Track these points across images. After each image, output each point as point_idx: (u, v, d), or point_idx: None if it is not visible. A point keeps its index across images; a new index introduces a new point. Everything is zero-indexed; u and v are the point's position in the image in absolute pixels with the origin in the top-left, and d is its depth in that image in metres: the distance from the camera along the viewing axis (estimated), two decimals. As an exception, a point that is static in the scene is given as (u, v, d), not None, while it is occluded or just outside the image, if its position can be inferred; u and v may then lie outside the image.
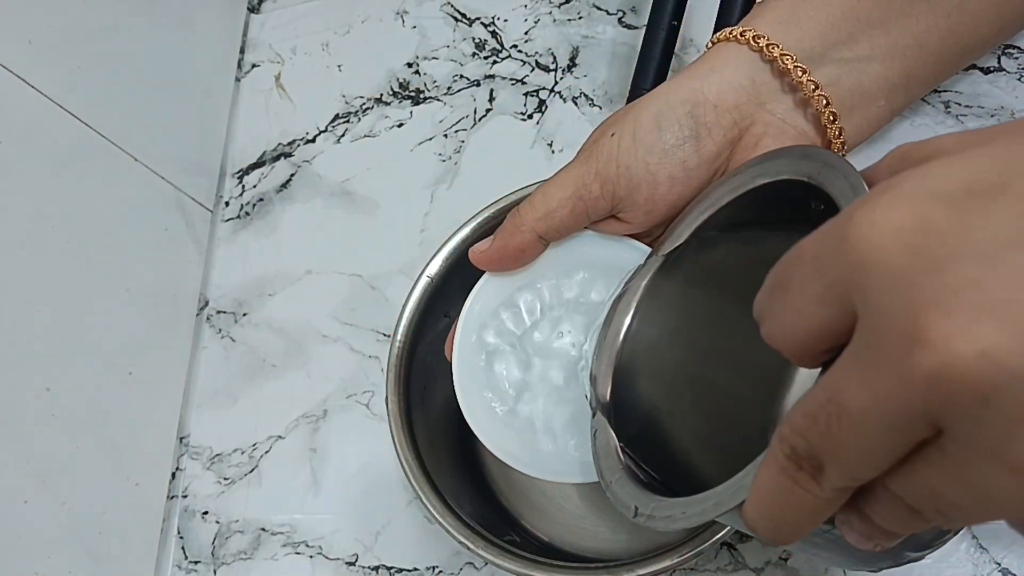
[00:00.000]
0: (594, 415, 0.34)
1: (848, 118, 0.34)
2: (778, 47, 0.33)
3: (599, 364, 0.34)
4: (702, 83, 0.33)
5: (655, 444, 0.33)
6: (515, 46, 0.65)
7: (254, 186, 0.67)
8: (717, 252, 0.33)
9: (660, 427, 0.33)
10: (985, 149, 0.18)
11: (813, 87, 0.33)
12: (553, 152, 0.60)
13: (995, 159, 0.18)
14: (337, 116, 0.67)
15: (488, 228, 0.46)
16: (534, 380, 0.38)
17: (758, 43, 0.33)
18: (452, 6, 0.68)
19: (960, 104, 0.53)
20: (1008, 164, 0.17)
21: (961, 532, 0.45)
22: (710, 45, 0.36)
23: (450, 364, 0.38)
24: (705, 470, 0.30)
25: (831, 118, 0.33)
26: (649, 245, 0.36)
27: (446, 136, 0.63)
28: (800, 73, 0.33)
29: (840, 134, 0.34)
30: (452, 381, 0.38)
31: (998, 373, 0.16)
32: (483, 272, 0.38)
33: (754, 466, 0.23)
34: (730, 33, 0.34)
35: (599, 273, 0.38)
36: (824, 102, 0.33)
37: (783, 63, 0.33)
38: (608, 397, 0.34)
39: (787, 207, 0.28)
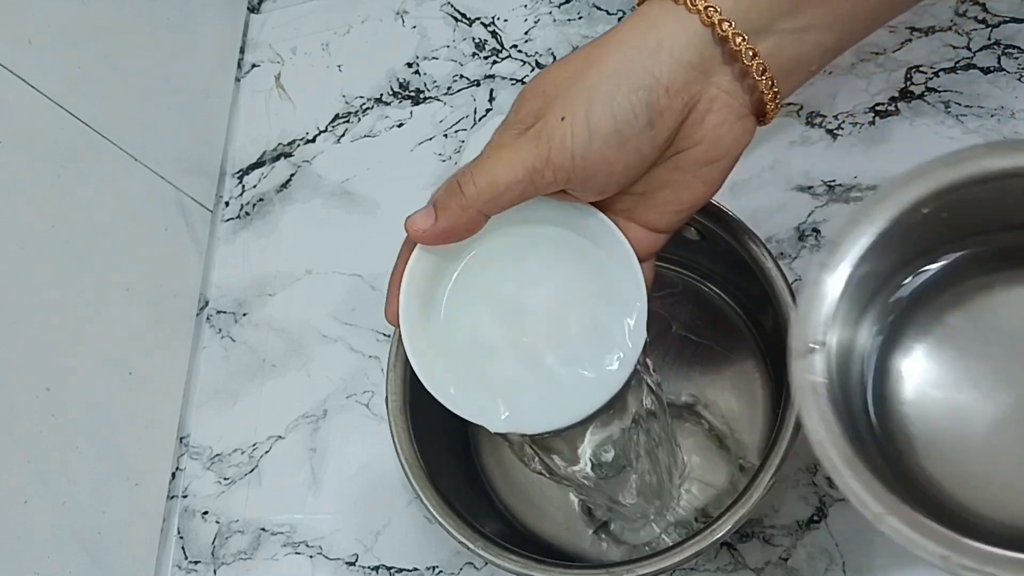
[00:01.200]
0: None
1: (784, 83, 0.33)
2: (717, 11, 0.31)
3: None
4: (652, 62, 0.32)
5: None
6: (515, 46, 0.65)
7: (254, 186, 0.67)
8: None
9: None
10: None
11: (751, 54, 0.32)
12: (553, 152, 0.60)
13: None
14: (337, 116, 0.67)
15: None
16: (485, 336, 0.38)
17: (696, 5, 0.32)
18: (452, 6, 0.68)
19: (960, 104, 0.53)
20: None
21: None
22: (640, 1, 0.34)
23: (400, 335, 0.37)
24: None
25: (770, 83, 0.33)
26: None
27: (446, 136, 0.63)
28: (739, 40, 0.32)
29: (776, 102, 0.34)
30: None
31: None
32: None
33: None
34: None
35: (547, 234, 0.37)
36: (770, 83, 0.33)
37: (722, 29, 0.31)
38: None
39: None
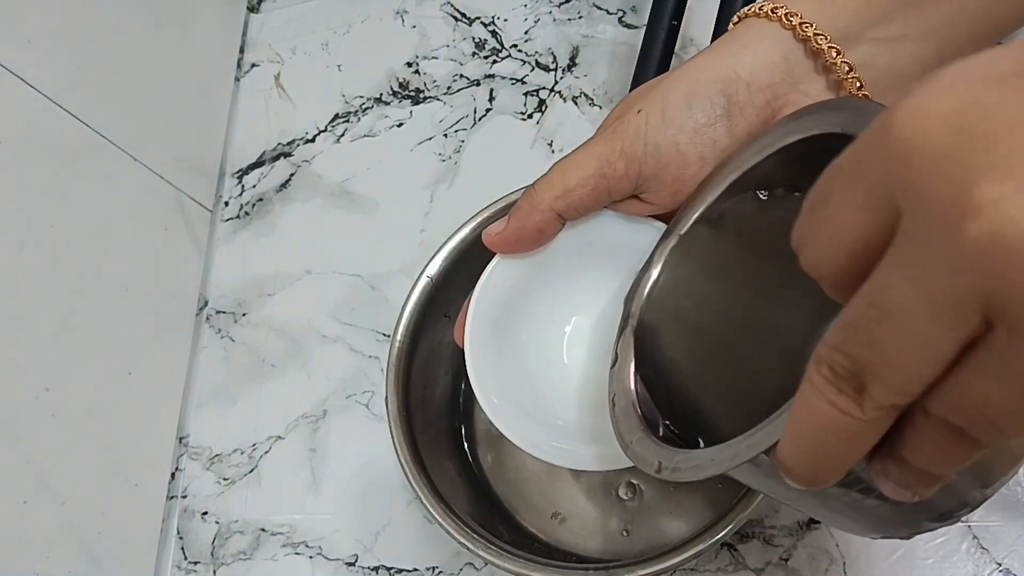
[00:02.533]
0: (613, 372, 0.33)
1: (881, 99, 0.32)
2: (812, 26, 0.31)
3: (622, 325, 0.33)
4: (734, 60, 0.32)
5: (679, 405, 0.32)
6: (515, 46, 0.65)
7: (254, 186, 0.67)
8: (744, 214, 0.32)
9: (684, 388, 0.33)
10: None
11: (847, 69, 0.31)
12: (553, 152, 0.60)
13: None
14: (337, 116, 0.67)
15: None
16: (550, 366, 0.37)
17: (791, 21, 0.31)
18: (452, 6, 0.67)
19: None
20: None
21: (963, 532, 0.45)
22: (736, 21, 0.34)
23: (461, 351, 0.36)
24: (730, 430, 0.30)
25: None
26: None
27: (446, 136, 0.63)
28: (834, 54, 0.31)
29: None
30: (461, 371, 0.36)
31: None
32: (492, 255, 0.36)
33: (789, 405, 0.22)
34: (760, 9, 0.33)
35: (618, 256, 0.36)
36: (858, 85, 0.32)
37: (817, 43, 0.31)
38: (632, 356, 0.33)
39: (821, 165, 0.29)
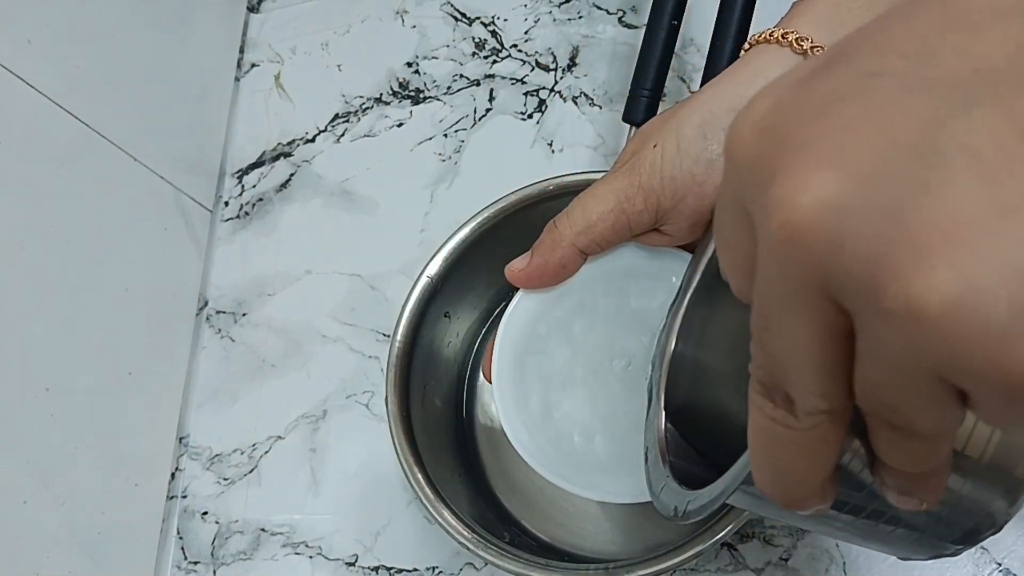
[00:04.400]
0: (647, 421, 0.33)
1: None
2: (823, 50, 0.31)
3: (654, 374, 0.34)
4: (747, 89, 0.32)
5: (712, 437, 0.32)
6: (515, 45, 0.65)
7: (253, 186, 0.67)
8: None
9: (716, 420, 0.33)
10: (835, 45, 0.18)
11: None
12: (553, 152, 0.60)
13: (841, 42, 0.18)
14: (337, 116, 0.67)
15: (488, 227, 0.46)
16: (577, 398, 0.37)
17: (802, 46, 0.31)
18: (452, 5, 0.67)
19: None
20: (850, 40, 0.17)
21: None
22: (747, 48, 0.34)
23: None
24: None
25: None
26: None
27: (446, 136, 0.63)
28: None
29: None
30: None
31: (840, 217, 0.15)
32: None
33: None
34: (771, 35, 0.33)
35: (642, 284, 0.36)
36: None
37: None
38: (662, 399, 0.33)
39: None
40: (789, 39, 0.32)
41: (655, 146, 0.32)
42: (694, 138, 0.32)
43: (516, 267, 0.35)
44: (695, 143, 0.32)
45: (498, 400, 0.36)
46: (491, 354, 0.37)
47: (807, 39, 0.32)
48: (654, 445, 0.32)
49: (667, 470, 0.31)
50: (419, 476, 0.43)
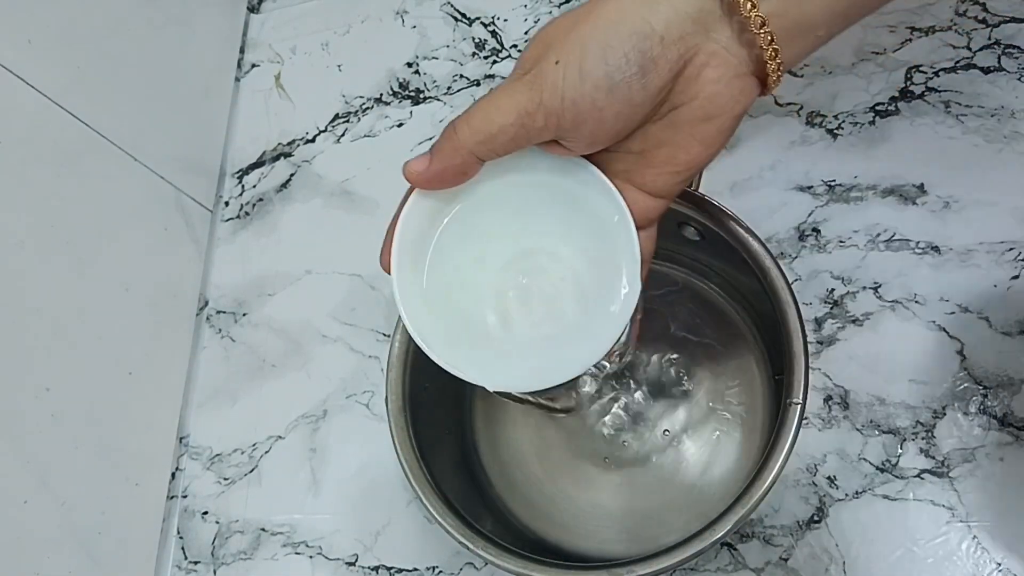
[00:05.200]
0: None
1: (788, 47, 0.33)
2: None
3: None
4: (650, 12, 0.32)
5: None
6: (515, 46, 0.65)
7: (254, 186, 0.67)
8: None
9: None
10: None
11: (760, 23, 0.32)
12: (553, 152, 0.60)
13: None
14: (337, 116, 0.67)
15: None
16: (474, 292, 0.38)
17: None
18: (452, 6, 0.68)
19: (960, 104, 0.53)
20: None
21: (963, 532, 0.45)
22: None
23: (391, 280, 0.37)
24: None
25: (773, 54, 0.33)
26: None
27: (446, 136, 0.63)
28: (749, 7, 0.32)
29: (779, 66, 0.33)
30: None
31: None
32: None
33: None
34: None
35: (540, 188, 0.37)
36: (769, 39, 0.32)
37: None
38: None
39: None
40: None
41: (556, 62, 0.33)
42: (596, 62, 0.32)
43: (416, 169, 0.36)
44: (597, 67, 0.32)
45: (396, 284, 0.37)
46: (391, 245, 0.37)
47: None
48: None
49: None
50: (419, 476, 0.43)
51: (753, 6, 0.32)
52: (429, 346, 0.36)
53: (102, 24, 0.57)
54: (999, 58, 0.54)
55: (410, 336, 0.37)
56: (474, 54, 0.65)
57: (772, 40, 0.33)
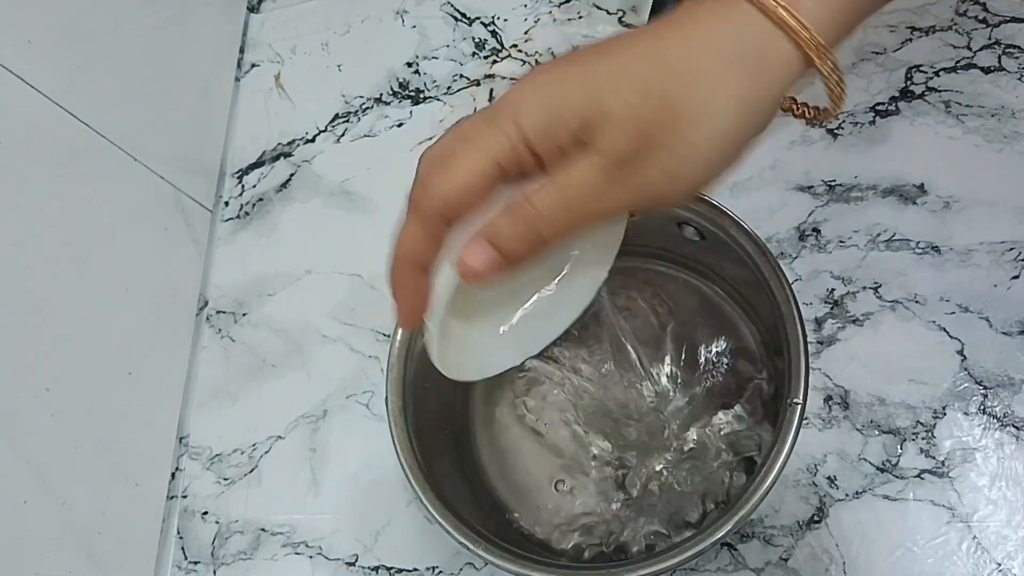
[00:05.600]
0: None
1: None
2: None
3: None
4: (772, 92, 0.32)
5: None
6: (515, 45, 0.65)
7: (254, 186, 0.67)
8: None
9: None
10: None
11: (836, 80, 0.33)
12: (553, 152, 0.60)
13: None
14: (337, 116, 0.67)
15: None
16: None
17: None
18: (452, 6, 0.68)
19: (960, 104, 0.53)
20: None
21: (963, 532, 0.45)
22: None
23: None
24: None
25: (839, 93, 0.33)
26: None
27: (446, 136, 0.63)
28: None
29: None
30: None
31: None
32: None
33: None
34: None
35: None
36: (840, 89, 0.33)
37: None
38: None
39: None
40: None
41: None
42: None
43: (478, 265, 0.32)
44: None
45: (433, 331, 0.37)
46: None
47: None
48: None
49: None
50: (419, 476, 0.43)
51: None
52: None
53: (102, 24, 0.57)
54: (999, 58, 0.54)
55: (409, 336, 0.37)
56: (474, 54, 0.65)
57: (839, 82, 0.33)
